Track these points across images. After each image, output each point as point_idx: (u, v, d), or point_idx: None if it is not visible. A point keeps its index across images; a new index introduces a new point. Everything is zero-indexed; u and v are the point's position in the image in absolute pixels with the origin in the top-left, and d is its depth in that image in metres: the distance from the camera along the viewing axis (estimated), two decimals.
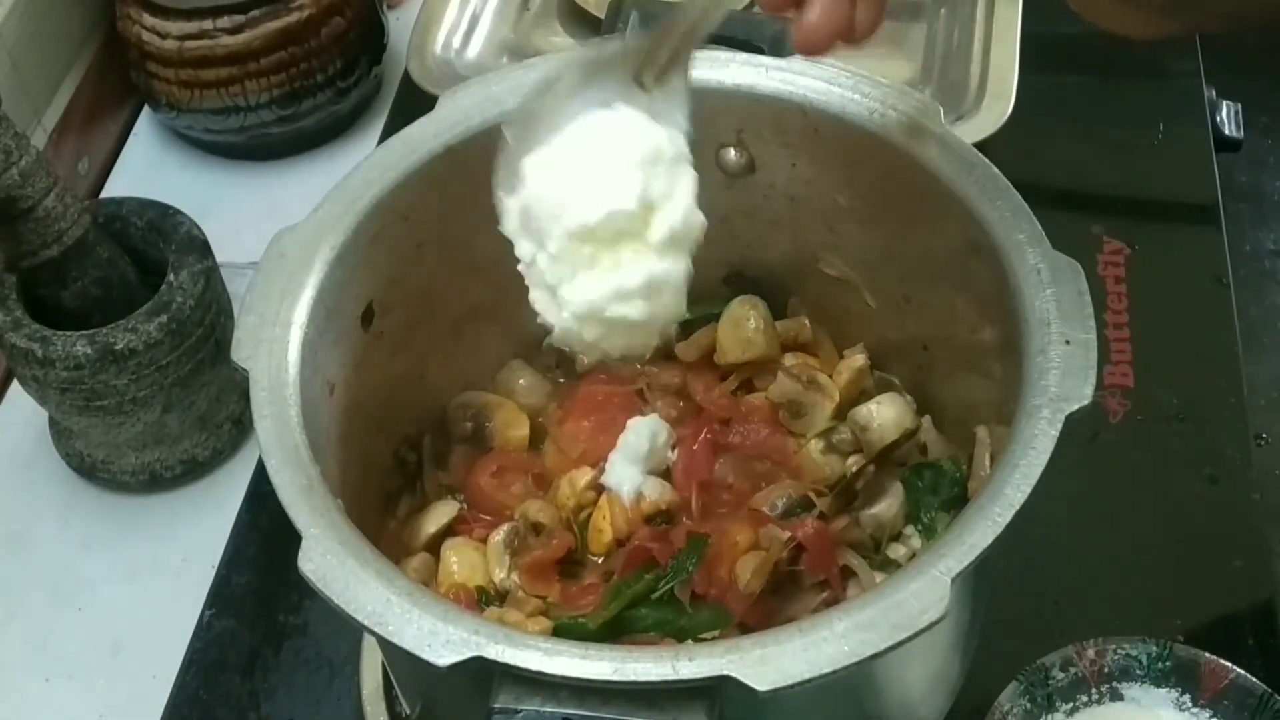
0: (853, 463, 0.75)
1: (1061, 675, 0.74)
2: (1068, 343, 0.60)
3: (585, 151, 0.59)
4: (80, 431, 0.91)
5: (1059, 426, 0.58)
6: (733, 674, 0.51)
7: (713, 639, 0.65)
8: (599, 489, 0.74)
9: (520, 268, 0.61)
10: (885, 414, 0.73)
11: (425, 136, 0.70)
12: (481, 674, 0.52)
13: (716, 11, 0.59)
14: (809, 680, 0.51)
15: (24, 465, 0.96)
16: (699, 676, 0.51)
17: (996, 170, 0.66)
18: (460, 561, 0.72)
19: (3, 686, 0.85)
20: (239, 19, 1.03)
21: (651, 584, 0.70)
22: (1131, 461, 0.89)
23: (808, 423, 0.76)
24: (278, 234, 0.67)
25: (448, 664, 0.52)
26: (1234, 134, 1.08)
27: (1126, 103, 1.11)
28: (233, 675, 0.83)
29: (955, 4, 1.10)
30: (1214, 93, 1.10)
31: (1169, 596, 0.82)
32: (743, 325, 0.79)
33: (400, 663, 0.69)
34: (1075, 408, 0.58)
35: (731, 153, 0.74)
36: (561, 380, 0.81)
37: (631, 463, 0.74)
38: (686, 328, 0.81)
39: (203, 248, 0.88)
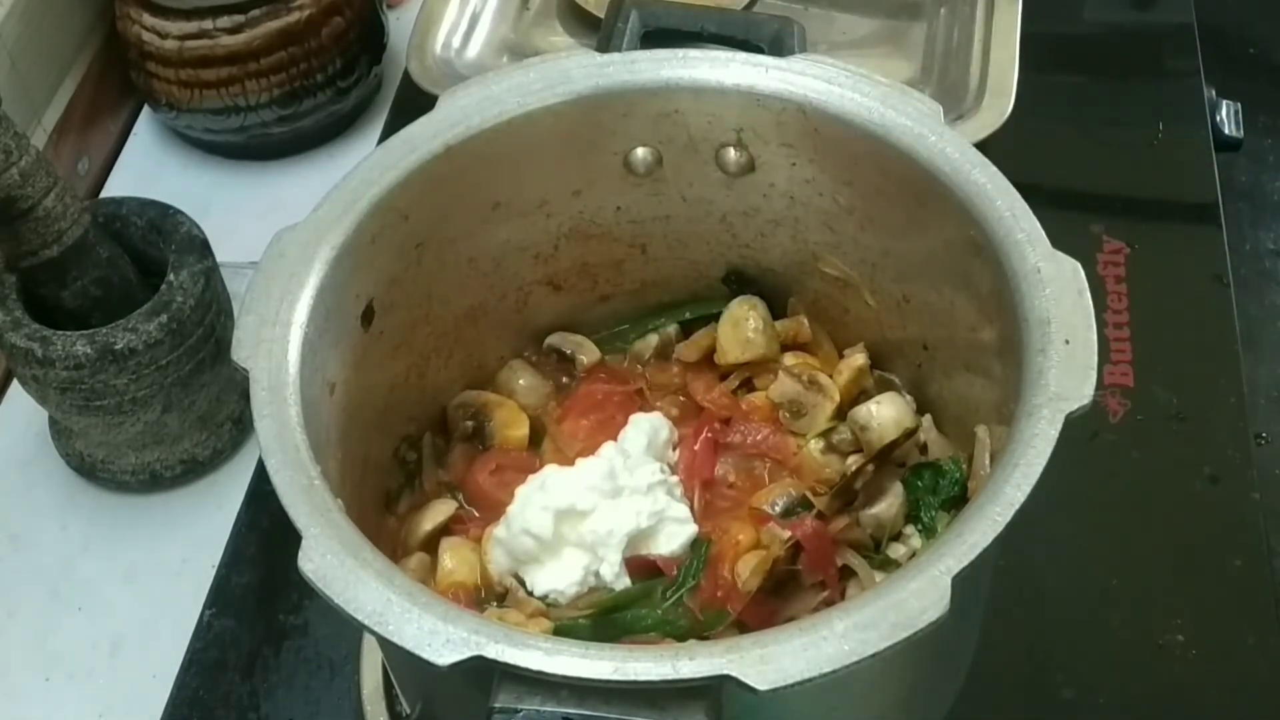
0: (852, 462, 0.75)
1: None
2: (1067, 342, 0.60)
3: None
4: (80, 431, 0.91)
5: (1059, 426, 0.57)
6: (733, 673, 0.51)
7: (712, 639, 0.65)
8: None
9: None
10: (885, 414, 0.73)
11: (425, 136, 0.70)
12: (482, 673, 0.52)
13: None
14: (809, 679, 0.51)
15: (24, 465, 0.96)
16: (699, 676, 0.51)
17: (996, 170, 0.66)
18: (457, 561, 0.72)
19: (3, 686, 0.85)
20: (239, 19, 1.03)
21: (655, 589, 0.70)
22: (1131, 461, 0.89)
23: (808, 422, 0.76)
24: (278, 234, 0.67)
25: (448, 663, 0.52)
26: (1234, 134, 1.08)
27: (1126, 103, 1.11)
28: (233, 675, 0.83)
29: (955, 4, 1.10)
30: (1214, 93, 1.10)
31: (1169, 596, 0.82)
32: (742, 325, 0.79)
33: (400, 662, 0.69)
34: (1075, 407, 0.58)
35: (731, 153, 0.74)
36: (562, 380, 0.81)
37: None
38: (686, 328, 0.81)
39: (203, 248, 0.88)
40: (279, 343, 0.63)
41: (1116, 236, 1.00)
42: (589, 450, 0.75)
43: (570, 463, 0.74)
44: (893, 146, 0.69)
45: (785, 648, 0.52)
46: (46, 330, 0.83)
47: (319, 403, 0.64)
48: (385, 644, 0.56)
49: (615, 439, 0.75)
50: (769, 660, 0.51)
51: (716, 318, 0.80)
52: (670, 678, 0.51)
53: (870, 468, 0.72)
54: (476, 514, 0.76)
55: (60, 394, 0.84)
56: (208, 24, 1.03)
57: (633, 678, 0.52)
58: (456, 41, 1.12)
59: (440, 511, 0.74)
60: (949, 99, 1.01)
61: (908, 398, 0.76)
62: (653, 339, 0.81)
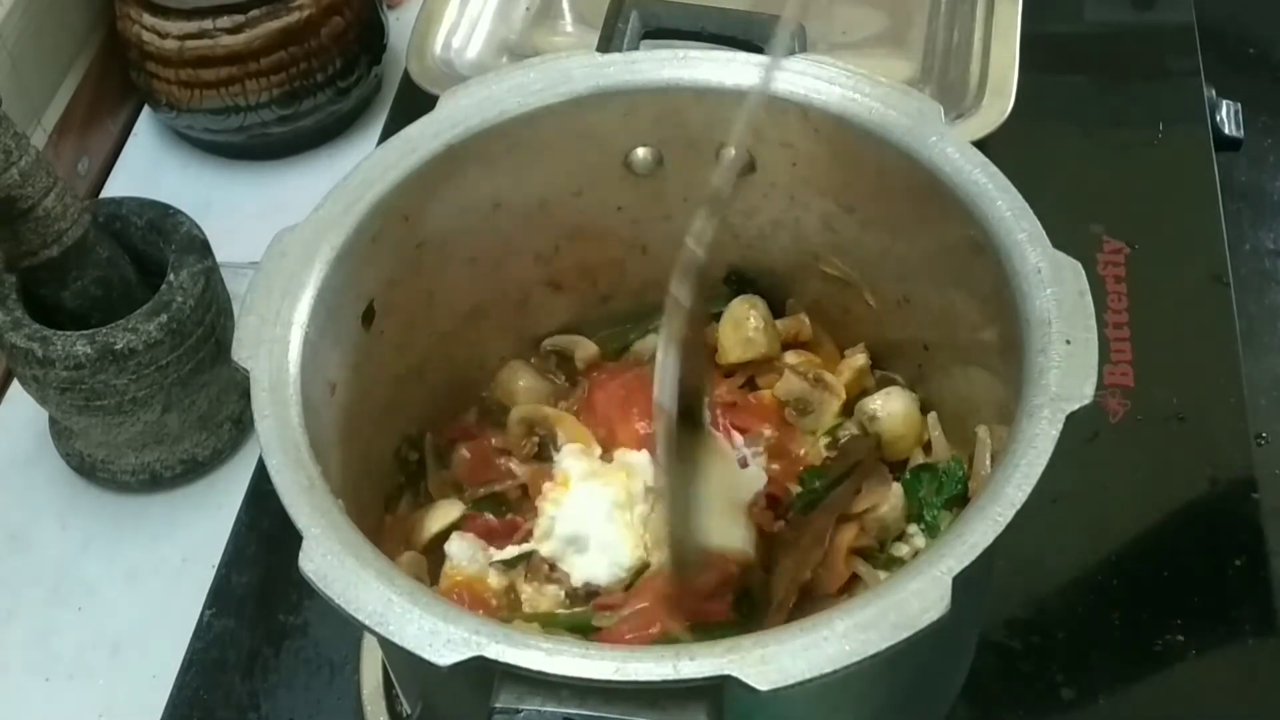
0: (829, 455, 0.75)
1: None
2: (1068, 342, 0.60)
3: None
4: (80, 431, 0.91)
5: (1059, 426, 0.57)
6: (734, 674, 0.51)
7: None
8: None
9: None
10: (893, 405, 0.74)
11: (425, 136, 0.70)
12: (482, 674, 0.52)
13: None
14: (810, 680, 0.51)
15: (24, 465, 0.96)
16: (700, 676, 0.51)
17: (996, 169, 0.66)
18: (462, 561, 0.72)
19: (3, 686, 0.85)
20: (239, 19, 1.03)
21: None
22: (1131, 461, 0.89)
23: (814, 420, 0.76)
24: (278, 234, 0.67)
25: (449, 664, 0.52)
26: (1234, 134, 1.08)
27: (1126, 103, 1.11)
28: (233, 675, 0.83)
29: (955, 4, 1.10)
30: (1214, 92, 1.10)
31: (1169, 597, 0.82)
32: (743, 325, 0.79)
33: (401, 663, 0.69)
34: (1075, 407, 0.58)
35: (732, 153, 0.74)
36: (562, 381, 0.81)
37: None
38: None
39: (203, 248, 0.88)
40: (279, 343, 0.63)
41: (1116, 236, 1.00)
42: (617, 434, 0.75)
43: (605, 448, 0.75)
44: (893, 146, 0.69)
45: (786, 648, 0.52)
46: (46, 330, 0.83)
47: (319, 403, 0.64)
48: (385, 644, 0.56)
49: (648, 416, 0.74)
50: (769, 660, 0.52)
51: (717, 318, 0.80)
52: (671, 678, 0.51)
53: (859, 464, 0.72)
54: (514, 514, 0.75)
55: (60, 394, 0.84)
56: (208, 24, 1.03)
57: (633, 678, 0.52)
58: (456, 41, 1.11)
59: (448, 512, 0.74)
60: (949, 99, 1.01)
61: (911, 395, 0.76)
62: (653, 339, 0.81)
